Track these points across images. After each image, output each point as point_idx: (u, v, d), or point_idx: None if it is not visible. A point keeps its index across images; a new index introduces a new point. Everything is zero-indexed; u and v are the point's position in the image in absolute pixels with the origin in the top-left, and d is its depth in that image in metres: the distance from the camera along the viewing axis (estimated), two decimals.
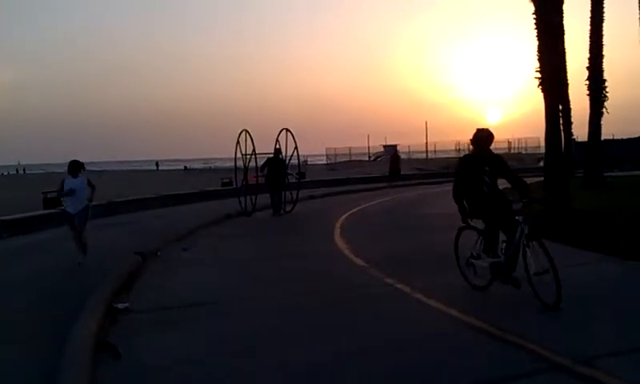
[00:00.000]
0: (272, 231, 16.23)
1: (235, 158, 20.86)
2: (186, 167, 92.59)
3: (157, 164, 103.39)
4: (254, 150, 20.27)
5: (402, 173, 37.29)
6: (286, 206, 20.03)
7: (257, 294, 8.39)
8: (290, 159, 20.70)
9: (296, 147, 20.68)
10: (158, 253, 11.99)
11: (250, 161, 20.45)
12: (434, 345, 5.81)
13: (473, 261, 7.62)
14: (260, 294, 8.38)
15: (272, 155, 19.88)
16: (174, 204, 23.97)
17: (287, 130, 20.63)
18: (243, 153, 20.44)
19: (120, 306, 7.65)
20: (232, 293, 8.56)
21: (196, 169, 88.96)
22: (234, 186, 21.68)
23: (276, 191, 19.54)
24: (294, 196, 20.60)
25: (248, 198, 19.77)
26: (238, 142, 20.49)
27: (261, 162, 20.04)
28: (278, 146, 20.19)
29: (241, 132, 20.43)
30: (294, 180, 21.21)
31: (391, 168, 36.60)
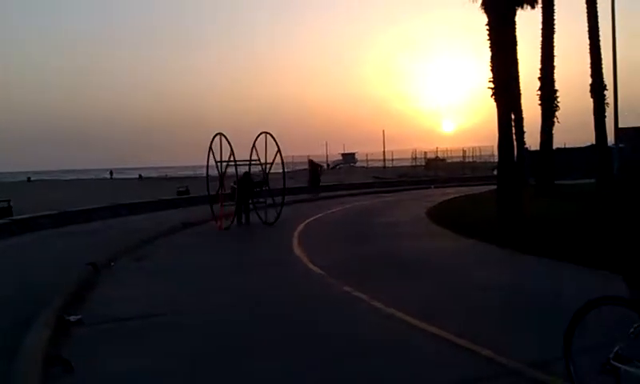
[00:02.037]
0: (229, 241, 16.08)
1: (207, 165, 19.54)
2: (140, 176, 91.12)
3: (111, 173, 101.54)
4: (232, 153, 18.89)
5: (355, 182, 36.92)
6: (266, 214, 19.10)
7: (212, 305, 8.30)
8: (270, 167, 20.01)
9: (279, 151, 19.48)
10: (112, 263, 11.75)
11: (227, 167, 19.18)
12: (391, 351, 5.83)
13: (619, 364, 3.97)
14: (215, 304, 8.29)
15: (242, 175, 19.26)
16: (129, 213, 23.52)
17: (267, 133, 19.45)
18: (222, 157, 19.03)
19: (72, 318, 7.44)
20: (186, 304, 8.43)
21: (151, 178, 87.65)
22: (207, 193, 20.39)
23: (242, 202, 18.91)
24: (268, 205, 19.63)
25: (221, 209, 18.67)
26: (210, 146, 19.23)
27: (241, 168, 19.48)
28: (246, 170, 19.53)
29: (215, 136, 19.07)
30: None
31: (311, 178, 33.74)
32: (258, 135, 19.62)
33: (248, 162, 19.93)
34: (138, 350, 6.29)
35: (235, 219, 18.78)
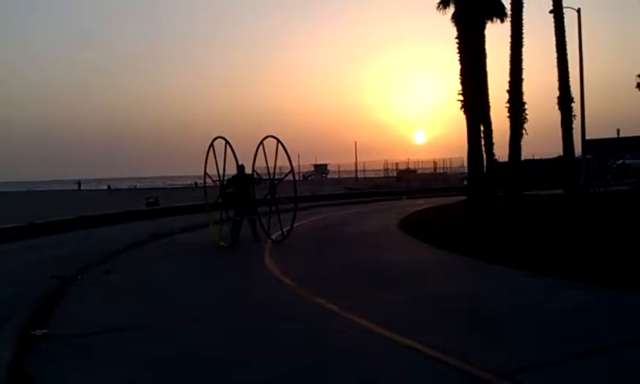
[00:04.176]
0: (200, 253, 15.86)
1: (205, 171, 17.45)
2: (109, 187, 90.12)
3: (79, 184, 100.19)
4: (236, 160, 16.67)
5: (327, 193, 36.63)
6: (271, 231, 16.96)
7: (180, 319, 8.16)
8: (282, 178, 17.58)
9: (289, 159, 16.79)
10: (79, 276, 11.52)
11: (224, 176, 17.02)
12: (360, 362, 5.79)
13: None
14: (184, 319, 8.15)
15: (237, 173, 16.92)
16: (98, 225, 23.13)
17: (273, 136, 16.97)
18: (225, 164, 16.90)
19: (38, 332, 7.27)
20: (155, 318, 8.29)
21: (120, 189, 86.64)
22: (205, 201, 18.75)
23: (242, 215, 16.81)
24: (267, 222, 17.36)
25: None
26: (210, 147, 17.12)
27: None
28: (241, 163, 16.93)
29: (214, 139, 16.97)
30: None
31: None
32: (264, 138, 17.42)
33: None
34: (105, 363, 6.15)
35: (232, 233, 16.39)
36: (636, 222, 14.48)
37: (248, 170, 17.40)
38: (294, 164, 17.13)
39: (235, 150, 16.75)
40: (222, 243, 16.10)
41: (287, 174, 17.21)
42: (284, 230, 16.39)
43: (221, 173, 17.08)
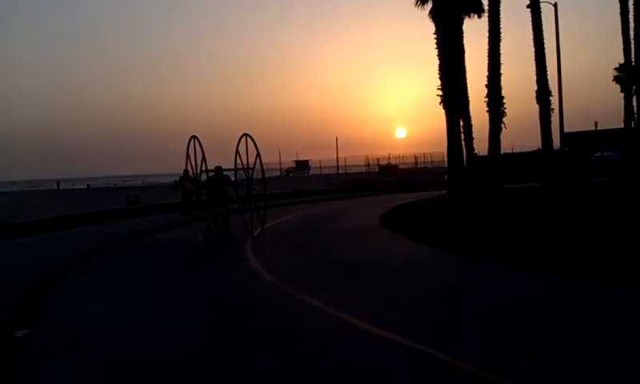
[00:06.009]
0: (180, 252, 15.79)
1: (185, 170, 17.93)
2: (89, 186, 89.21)
3: (58, 183, 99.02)
4: (203, 158, 16.75)
5: (310, 189, 36.54)
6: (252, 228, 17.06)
7: (162, 318, 8.11)
8: (253, 171, 17.64)
9: (258, 155, 17.21)
10: (59, 276, 11.42)
11: (200, 173, 17.13)
12: (344, 357, 5.83)
13: None
14: (166, 318, 8.11)
15: (213, 173, 17.21)
16: (77, 225, 22.91)
17: (247, 135, 17.32)
18: (192, 163, 17.20)
19: (18, 333, 7.21)
20: (136, 317, 8.24)
21: (100, 188, 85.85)
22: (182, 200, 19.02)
23: (218, 211, 17.14)
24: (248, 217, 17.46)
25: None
26: (188, 150, 17.37)
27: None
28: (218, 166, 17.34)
29: (190, 139, 17.12)
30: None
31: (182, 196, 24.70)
32: (240, 137, 17.51)
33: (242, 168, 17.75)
34: (85, 364, 6.12)
35: (213, 229, 16.92)
36: (614, 213, 14.75)
37: (230, 170, 17.75)
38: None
39: (213, 148, 16.87)
40: (200, 239, 16.31)
41: (253, 170, 17.51)
42: (260, 228, 16.96)
43: (197, 171, 17.23)
